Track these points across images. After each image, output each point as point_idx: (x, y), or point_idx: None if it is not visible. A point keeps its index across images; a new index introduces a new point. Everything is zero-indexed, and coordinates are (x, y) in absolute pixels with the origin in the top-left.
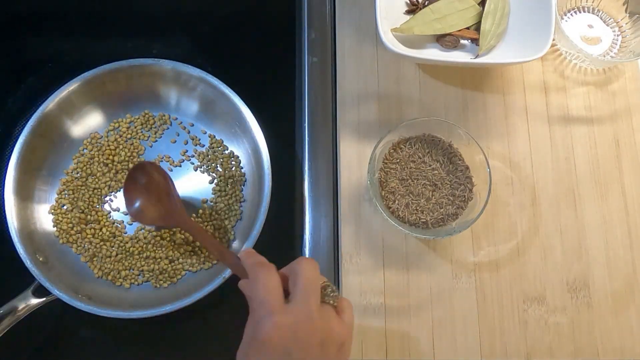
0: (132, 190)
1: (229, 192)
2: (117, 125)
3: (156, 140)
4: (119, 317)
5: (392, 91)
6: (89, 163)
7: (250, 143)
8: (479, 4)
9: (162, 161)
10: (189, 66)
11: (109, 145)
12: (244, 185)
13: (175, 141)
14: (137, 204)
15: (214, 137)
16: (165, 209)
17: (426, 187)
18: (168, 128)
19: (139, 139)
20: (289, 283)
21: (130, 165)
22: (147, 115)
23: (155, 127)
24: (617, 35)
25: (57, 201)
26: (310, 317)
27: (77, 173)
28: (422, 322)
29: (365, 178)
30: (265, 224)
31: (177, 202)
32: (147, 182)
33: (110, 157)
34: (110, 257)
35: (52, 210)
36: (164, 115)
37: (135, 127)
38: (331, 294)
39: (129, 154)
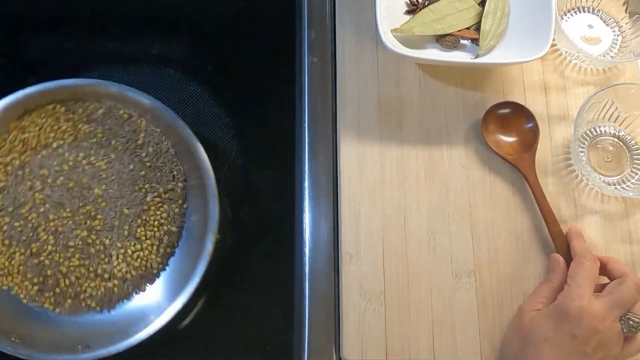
0: None
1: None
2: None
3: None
4: None
5: (392, 91)
6: None
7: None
8: (479, 4)
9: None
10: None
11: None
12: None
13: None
14: None
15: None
16: None
17: None
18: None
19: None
20: (611, 282)
21: None
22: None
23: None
24: (617, 35)
25: None
26: (603, 320)
27: None
28: (422, 322)
29: None
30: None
31: None
32: None
33: None
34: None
35: None
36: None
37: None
38: (632, 324)
39: None
